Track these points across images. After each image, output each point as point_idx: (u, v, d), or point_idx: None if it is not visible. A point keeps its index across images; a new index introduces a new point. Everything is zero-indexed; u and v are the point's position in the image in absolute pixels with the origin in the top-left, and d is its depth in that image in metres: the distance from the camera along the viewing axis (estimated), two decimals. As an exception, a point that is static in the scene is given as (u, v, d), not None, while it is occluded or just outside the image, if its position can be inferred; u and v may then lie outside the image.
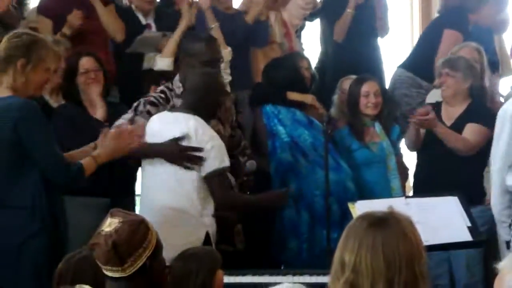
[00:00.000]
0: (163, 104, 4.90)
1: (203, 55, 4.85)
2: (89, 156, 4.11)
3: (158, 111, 4.80)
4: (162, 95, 4.93)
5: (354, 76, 5.87)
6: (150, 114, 4.81)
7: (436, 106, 5.60)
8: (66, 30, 5.72)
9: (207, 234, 4.49)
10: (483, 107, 5.59)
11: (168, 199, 4.50)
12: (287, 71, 5.63)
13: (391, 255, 2.36)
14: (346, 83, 5.89)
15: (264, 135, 5.56)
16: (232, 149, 5.01)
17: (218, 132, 4.77)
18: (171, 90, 4.97)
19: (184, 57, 4.99)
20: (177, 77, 4.98)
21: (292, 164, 5.45)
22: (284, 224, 5.36)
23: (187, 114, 4.55)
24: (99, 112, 5.10)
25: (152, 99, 4.91)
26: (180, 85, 4.90)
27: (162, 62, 5.36)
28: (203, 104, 4.58)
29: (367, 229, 2.39)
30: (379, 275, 2.35)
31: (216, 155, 4.48)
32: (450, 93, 5.49)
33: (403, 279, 2.36)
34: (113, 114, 5.03)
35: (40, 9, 5.97)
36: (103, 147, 4.15)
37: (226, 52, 5.53)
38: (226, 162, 4.54)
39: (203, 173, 4.49)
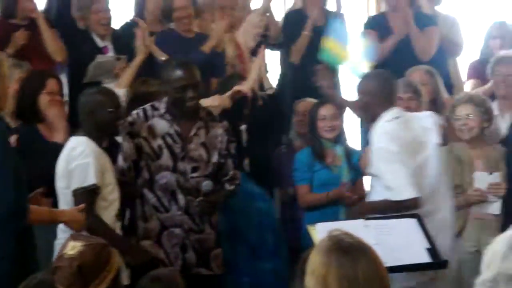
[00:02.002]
0: (141, 122, 4.96)
1: (174, 82, 4.86)
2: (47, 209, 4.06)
3: (134, 129, 4.94)
4: (140, 113, 4.99)
5: (309, 99, 5.93)
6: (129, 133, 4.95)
7: None
8: (9, 49, 5.72)
9: None
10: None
11: None
12: None
13: (375, 285, 2.37)
14: (301, 105, 5.97)
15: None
16: (219, 176, 5.04)
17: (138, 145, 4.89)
18: (155, 109, 5.02)
19: (161, 82, 5.01)
20: (165, 98, 5.01)
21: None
22: (224, 259, 5.25)
23: (76, 137, 4.66)
24: (60, 134, 5.06)
25: (130, 119, 4.98)
26: (165, 106, 4.97)
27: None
28: (90, 124, 4.65)
29: (341, 258, 2.40)
30: None
31: (82, 173, 4.53)
32: None
33: None
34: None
35: None
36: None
37: None
38: (91, 180, 4.54)
39: (72, 188, 4.56)
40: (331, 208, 5.46)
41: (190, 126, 5.00)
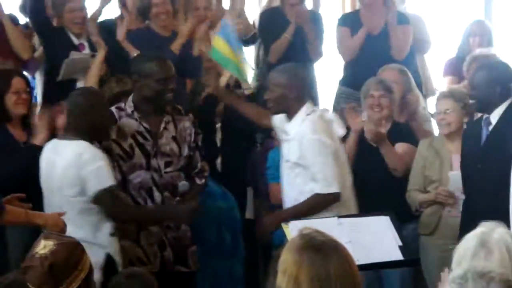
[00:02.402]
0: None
1: (155, 74, 4.88)
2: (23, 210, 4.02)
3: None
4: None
5: None
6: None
7: None
8: None
9: (108, 255, 4.53)
10: (406, 126, 5.75)
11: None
12: None
13: (346, 284, 2.38)
14: None
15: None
16: (189, 170, 5.06)
17: (107, 148, 4.86)
18: (122, 109, 5.00)
19: (137, 78, 4.97)
20: (130, 97, 5.02)
21: None
22: None
23: (70, 141, 4.57)
24: (40, 136, 5.04)
25: None
26: (132, 105, 4.97)
27: None
28: (89, 126, 4.60)
29: (313, 256, 2.40)
30: None
31: (99, 177, 4.52)
32: (387, 114, 5.60)
33: None
34: None
35: None
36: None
37: None
38: (109, 182, 4.56)
39: (91, 197, 4.53)
40: None
41: (158, 122, 5.00)
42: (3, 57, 5.79)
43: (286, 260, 2.42)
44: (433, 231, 5.26)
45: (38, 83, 6.13)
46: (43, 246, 2.95)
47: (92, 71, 5.65)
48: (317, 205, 4.81)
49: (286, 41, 6.50)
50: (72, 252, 2.94)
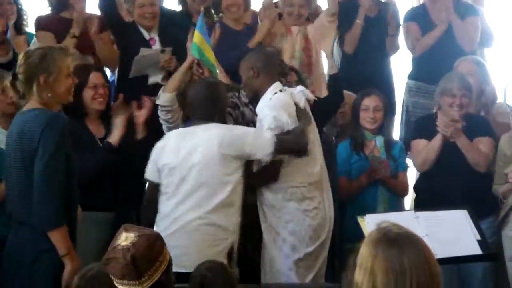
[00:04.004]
0: (235, 109, 5.13)
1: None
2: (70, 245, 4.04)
3: (235, 115, 5.10)
4: (232, 100, 5.13)
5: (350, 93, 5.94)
6: (231, 115, 5.07)
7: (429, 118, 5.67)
8: (74, 29, 5.79)
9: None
10: (483, 119, 5.69)
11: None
12: None
13: (421, 276, 2.37)
14: (349, 98, 5.94)
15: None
16: None
17: None
18: (238, 98, 5.17)
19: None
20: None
21: None
22: None
23: (205, 124, 4.67)
24: (114, 135, 5.10)
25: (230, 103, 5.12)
26: (244, 95, 5.14)
27: (164, 98, 5.39)
28: (216, 113, 4.72)
29: (387, 249, 2.41)
30: None
31: (260, 142, 4.65)
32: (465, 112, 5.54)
33: None
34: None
35: (40, 26, 6.00)
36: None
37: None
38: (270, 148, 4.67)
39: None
40: (371, 193, 5.53)
41: None
42: (83, 53, 5.91)
43: (362, 253, 2.43)
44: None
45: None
46: (125, 238, 2.96)
47: (174, 78, 5.59)
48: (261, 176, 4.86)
49: (359, 28, 6.47)
50: (153, 243, 2.96)
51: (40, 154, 3.94)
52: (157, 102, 5.36)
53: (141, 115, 5.33)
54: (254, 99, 5.02)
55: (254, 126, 4.98)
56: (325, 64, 6.21)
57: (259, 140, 4.64)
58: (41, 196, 3.93)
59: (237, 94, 5.20)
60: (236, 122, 5.13)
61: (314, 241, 4.88)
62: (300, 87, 5.06)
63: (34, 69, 4.05)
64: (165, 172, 4.66)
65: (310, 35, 6.33)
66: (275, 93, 4.89)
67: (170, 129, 5.18)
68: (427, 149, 5.51)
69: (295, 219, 4.85)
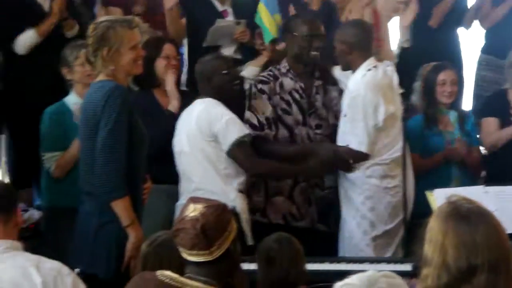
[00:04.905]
0: (272, 80, 5.15)
1: (302, 31, 5.09)
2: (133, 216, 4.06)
3: (269, 88, 5.11)
4: (271, 73, 5.19)
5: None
6: (262, 92, 5.10)
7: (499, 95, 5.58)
8: (137, 8, 5.84)
9: (233, 210, 4.62)
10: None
11: (197, 181, 4.77)
12: None
13: (493, 252, 2.35)
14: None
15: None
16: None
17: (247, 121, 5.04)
18: (278, 69, 5.20)
19: (289, 36, 5.19)
20: (285, 58, 5.23)
21: None
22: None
23: (199, 99, 4.85)
24: (173, 103, 5.15)
25: (261, 78, 5.19)
26: (287, 65, 5.19)
27: (251, 71, 5.48)
28: (212, 87, 4.86)
29: (459, 224, 2.37)
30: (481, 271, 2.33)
31: (231, 128, 4.72)
32: None
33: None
34: (184, 104, 5.12)
35: (108, 1, 6.09)
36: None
37: None
38: (244, 131, 4.78)
39: (225, 149, 4.73)
40: (444, 170, 5.46)
41: (311, 84, 5.18)
42: (154, 27, 5.94)
43: (432, 228, 2.40)
44: None
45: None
46: (193, 209, 2.97)
47: (262, 58, 5.74)
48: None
49: (449, 4, 6.42)
50: (222, 213, 2.97)
51: (102, 126, 3.98)
52: (243, 73, 5.51)
53: None
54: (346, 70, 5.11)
55: (296, 92, 5.10)
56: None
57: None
58: (103, 166, 3.97)
59: (276, 66, 5.25)
60: (274, 93, 5.15)
61: (393, 218, 4.91)
62: (388, 62, 5.10)
63: (99, 42, 4.08)
64: None
65: (380, 9, 6.29)
66: (369, 69, 4.91)
67: None
68: (500, 134, 5.47)
69: (375, 196, 4.89)
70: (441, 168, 5.49)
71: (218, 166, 4.78)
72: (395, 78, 5.03)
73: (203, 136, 4.77)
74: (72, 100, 5.02)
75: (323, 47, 5.14)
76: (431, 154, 5.54)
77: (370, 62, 4.99)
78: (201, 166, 4.78)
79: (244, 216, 4.76)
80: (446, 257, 2.34)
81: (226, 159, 4.79)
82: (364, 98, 4.89)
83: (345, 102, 5.03)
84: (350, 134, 4.96)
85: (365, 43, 5.05)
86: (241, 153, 4.77)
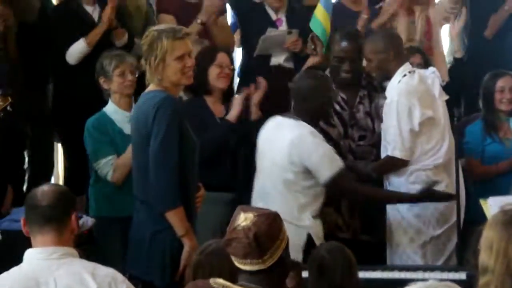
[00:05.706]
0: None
1: (333, 51, 5.17)
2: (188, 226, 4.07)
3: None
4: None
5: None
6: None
7: None
8: (202, 16, 5.84)
9: (309, 235, 4.62)
10: None
11: (273, 208, 4.57)
12: None
13: None
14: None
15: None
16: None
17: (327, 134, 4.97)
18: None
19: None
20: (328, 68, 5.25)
21: None
22: None
23: (292, 120, 4.70)
24: (233, 112, 5.13)
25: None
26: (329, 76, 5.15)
27: None
28: (310, 109, 4.72)
29: None
30: None
31: (326, 164, 4.61)
32: None
33: None
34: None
35: (161, 9, 6.09)
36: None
37: None
38: (339, 163, 4.64)
39: (323, 181, 4.63)
40: (503, 179, 5.37)
41: (354, 95, 5.16)
42: (200, 37, 5.94)
43: (490, 236, 2.39)
44: None
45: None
46: (244, 219, 2.97)
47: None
48: (386, 166, 4.93)
49: (507, 14, 6.38)
50: (273, 222, 2.96)
51: (154, 136, 3.99)
52: None
53: (256, 96, 5.34)
54: (383, 81, 5.06)
55: (338, 104, 5.11)
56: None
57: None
58: (156, 177, 3.98)
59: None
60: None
61: (442, 224, 4.84)
62: (432, 68, 5.04)
63: (147, 51, 4.09)
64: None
65: (432, 18, 6.24)
66: (404, 75, 4.88)
67: None
68: None
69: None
70: (503, 176, 5.42)
71: (298, 196, 4.71)
72: (437, 84, 4.98)
73: (291, 167, 4.67)
74: (111, 109, 5.01)
75: (356, 69, 5.16)
76: (490, 161, 5.49)
77: (405, 67, 4.96)
78: (280, 195, 4.69)
79: (318, 242, 4.66)
80: (510, 264, 2.31)
81: (308, 190, 4.71)
82: (398, 104, 4.86)
83: (383, 110, 5.02)
84: (386, 141, 4.93)
85: (399, 49, 5.04)
86: (344, 182, 4.68)
